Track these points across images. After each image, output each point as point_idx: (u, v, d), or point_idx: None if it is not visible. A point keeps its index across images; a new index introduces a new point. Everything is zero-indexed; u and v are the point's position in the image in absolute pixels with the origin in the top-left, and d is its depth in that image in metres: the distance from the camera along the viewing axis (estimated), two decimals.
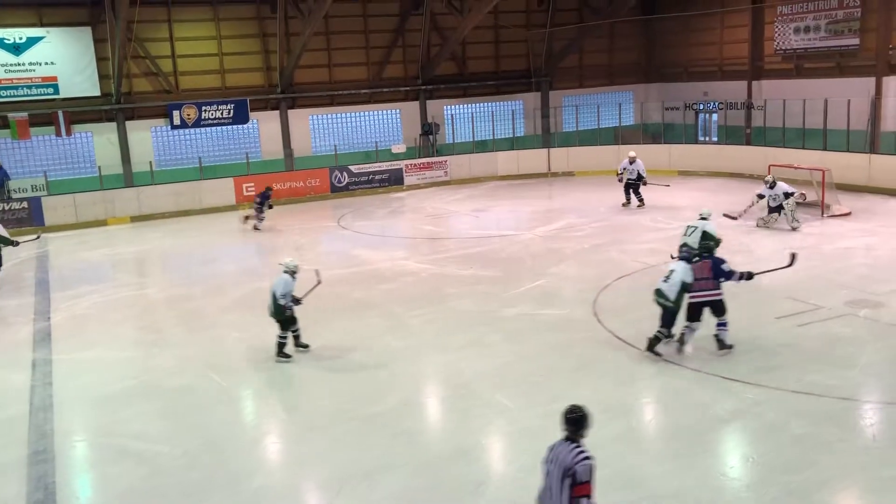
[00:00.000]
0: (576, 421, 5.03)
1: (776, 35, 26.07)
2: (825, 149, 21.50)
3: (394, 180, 26.18)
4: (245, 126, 26.21)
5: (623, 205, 20.43)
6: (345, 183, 25.61)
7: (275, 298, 10.31)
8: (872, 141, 22.41)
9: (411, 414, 8.84)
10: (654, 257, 14.86)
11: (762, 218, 17.10)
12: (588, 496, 4.81)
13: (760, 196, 16.94)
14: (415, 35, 27.88)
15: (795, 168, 18.90)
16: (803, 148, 21.74)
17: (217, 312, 13.17)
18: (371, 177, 25.97)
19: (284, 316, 10.37)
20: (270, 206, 20.82)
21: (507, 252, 16.19)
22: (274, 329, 10.56)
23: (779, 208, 16.70)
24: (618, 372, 9.54)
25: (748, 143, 25.38)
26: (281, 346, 10.46)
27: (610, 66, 31.62)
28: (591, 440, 7.62)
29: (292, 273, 10.47)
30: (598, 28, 29.68)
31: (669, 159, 25.69)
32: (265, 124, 26.62)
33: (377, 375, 9.83)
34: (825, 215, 17.51)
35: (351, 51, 27.56)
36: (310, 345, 10.75)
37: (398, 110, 28.59)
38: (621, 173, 20.56)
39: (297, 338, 10.64)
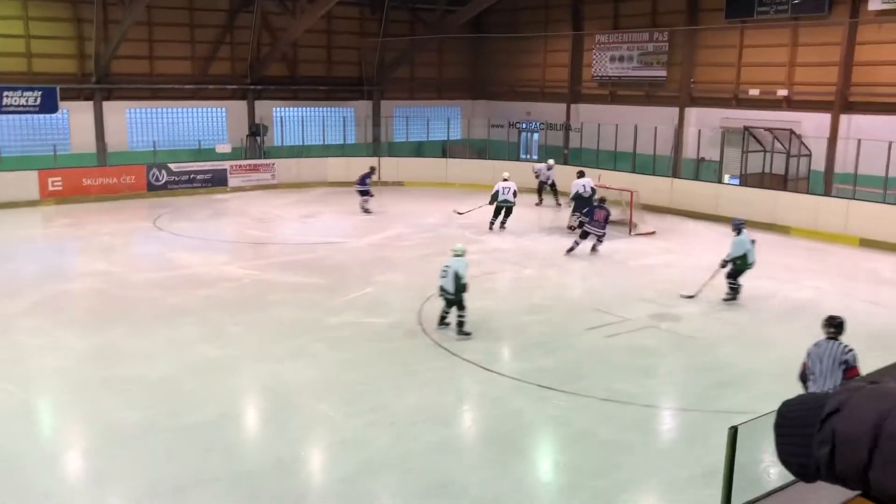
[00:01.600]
0: (839, 324, 7.12)
1: (594, 62, 27.75)
2: (634, 171, 23.12)
3: (217, 181, 25.21)
4: (53, 116, 24.22)
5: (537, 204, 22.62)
6: (163, 182, 24.32)
7: (458, 279, 10.82)
8: (675, 166, 24.37)
9: (228, 426, 8.51)
10: (475, 269, 15.25)
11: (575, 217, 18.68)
12: (858, 375, 6.73)
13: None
14: (244, 32, 27.07)
15: (607, 188, 20.15)
16: (615, 170, 23.26)
17: (12, 316, 12.05)
18: (192, 176, 24.85)
19: (462, 295, 10.92)
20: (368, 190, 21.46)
21: (335, 259, 16.05)
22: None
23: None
24: (440, 380, 9.70)
25: (566, 163, 26.78)
26: (461, 323, 11.03)
27: (439, 79, 32.30)
28: (413, 449, 7.74)
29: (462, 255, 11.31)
30: (429, 42, 30.23)
31: (494, 175, 26.53)
32: (77, 115, 24.74)
33: (191, 386, 9.38)
34: (632, 233, 18.80)
35: (175, 44, 26.27)
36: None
37: (224, 109, 27.60)
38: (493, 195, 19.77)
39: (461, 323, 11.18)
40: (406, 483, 7.15)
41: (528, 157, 29.78)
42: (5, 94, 23.11)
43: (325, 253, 16.67)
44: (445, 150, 29.01)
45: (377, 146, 28.84)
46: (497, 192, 19.29)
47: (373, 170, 22.16)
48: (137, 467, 7.39)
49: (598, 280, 14.72)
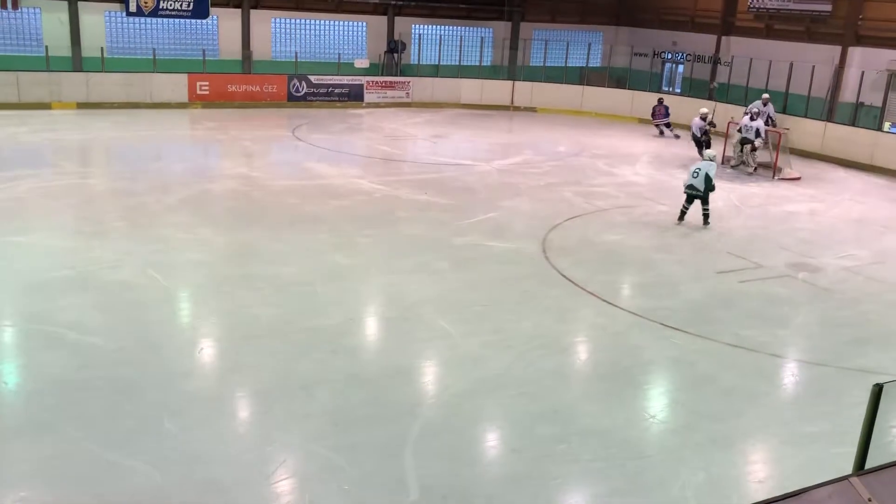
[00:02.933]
0: None
1: None
2: (784, 112, 21.73)
3: (353, 96, 25.62)
4: (204, 22, 25.13)
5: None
6: (303, 93, 24.96)
7: (708, 179, 13.10)
8: (830, 109, 22.73)
9: (353, 331, 8.85)
10: (606, 201, 14.98)
11: (736, 156, 18.30)
12: None
13: (738, 130, 18.34)
14: None
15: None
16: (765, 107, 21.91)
17: (162, 211, 12.84)
18: (330, 89, 25.35)
19: (709, 194, 13.32)
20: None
21: (462, 182, 16.10)
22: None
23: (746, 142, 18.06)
24: (560, 309, 9.67)
25: (710, 98, 25.48)
26: (707, 216, 13.52)
27: (583, 3, 31.15)
28: (527, 374, 7.81)
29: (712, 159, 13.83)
30: None
31: (632, 106, 25.68)
32: (225, 22, 25.58)
33: (322, 290, 9.77)
34: (776, 177, 17.82)
35: None
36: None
37: (365, 23, 27.78)
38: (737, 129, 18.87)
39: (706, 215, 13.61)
40: (518, 405, 7.23)
41: (671, 89, 28.53)
42: None
43: (453, 174, 16.74)
44: (583, 76, 28.17)
45: (512, 69, 28.36)
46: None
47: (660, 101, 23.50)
48: (269, 361, 7.82)
49: (733, 223, 14.11)
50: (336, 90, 25.43)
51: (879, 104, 21.11)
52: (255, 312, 8.97)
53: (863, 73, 21.78)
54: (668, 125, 23.04)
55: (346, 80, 25.64)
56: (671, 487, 6.06)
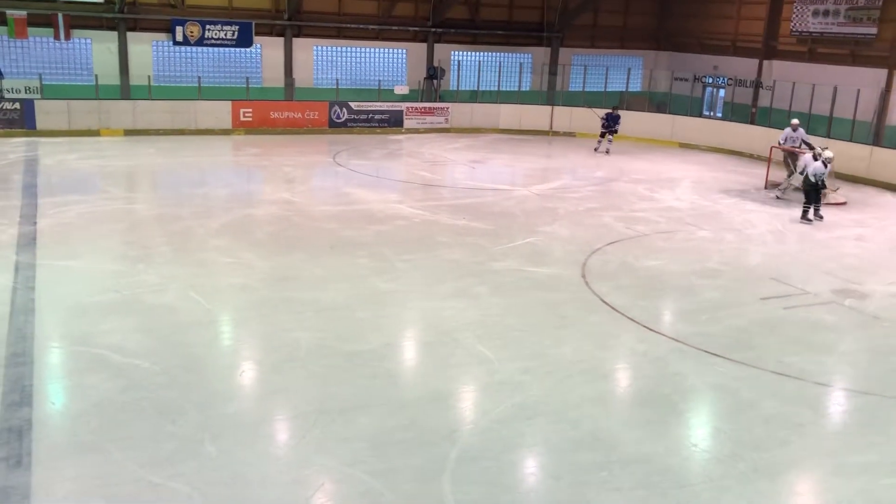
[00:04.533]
0: None
1: (794, 16, 25.71)
2: (829, 136, 21.40)
3: (393, 122, 25.90)
4: (247, 50, 25.72)
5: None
6: (343, 119, 25.30)
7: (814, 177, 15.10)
8: (877, 133, 22.34)
9: (392, 356, 8.87)
10: (647, 226, 14.87)
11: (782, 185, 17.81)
12: None
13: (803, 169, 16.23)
14: None
15: (798, 151, 18.81)
16: (808, 133, 21.63)
17: (205, 235, 13.08)
18: (371, 116, 25.66)
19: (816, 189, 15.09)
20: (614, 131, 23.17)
21: (501, 206, 16.12)
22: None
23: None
24: (600, 335, 9.59)
25: (752, 122, 25.24)
26: (805, 212, 15.38)
27: (623, 28, 31.18)
28: (567, 400, 7.74)
29: (826, 162, 15.33)
30: None
31: (672, 131, 25.54)
32: (268, 50, 26.14)
33: (361, 315, 9.83)
34: (822, 202, 17.47)
35: None
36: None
37: (405, 50, 28.14)
38: (782, 143, 18.67)
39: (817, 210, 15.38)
40: (558, 431, 7.16)
41: (711, 114, 28.32)
42: (208, 27, 24.74)
43: (492, 199, 16.77)
44: (623, 101, 28.11)
45: (551, 94, 28.42)
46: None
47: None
48: (309, 385, 7.88)
49: (778, 248, 13.89)
50: (376, 116, 25.73)
51: None
52: (296, 336, 9.05)
53: None
54: (609, 132, 23.14)
55: (385, 106, 25.94)
56: None
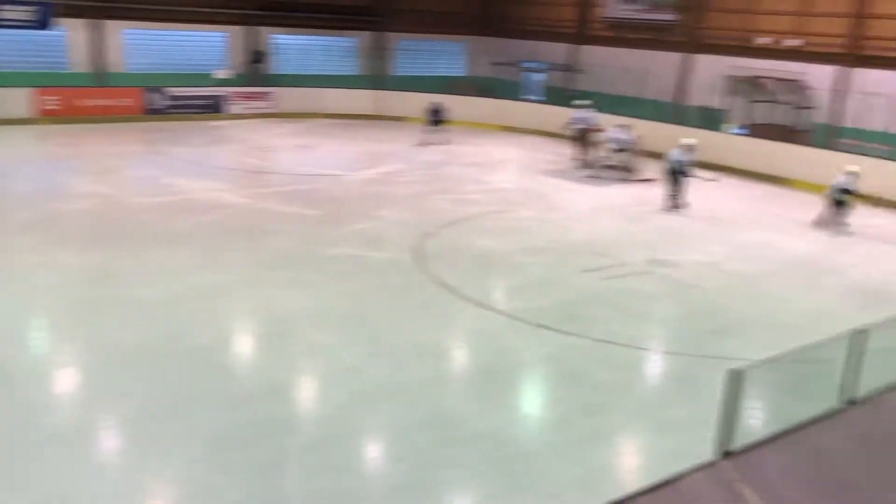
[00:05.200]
0: None
1: (604, 2, 27.16)
2: (638, 116, 22.80)
3: (216, 107, 24.86)
4: (51, 33, 23.65)
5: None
6: (161, 106, 23.98)
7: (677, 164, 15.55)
8: (679, 113, 24.07)
9: (225, 350, 8.55)
10: (477, 208, 15.23)
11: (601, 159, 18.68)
12: None
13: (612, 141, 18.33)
14: None
15: (595, 130, 19.95)
16: (619, 114, 22.95)
17: (7, 233, 11.98)
18: (191, 102, 24.49)
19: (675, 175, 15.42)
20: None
21: (333, 192, 15.93)
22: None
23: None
24: (437, 316, 9.72)
25: (570, 105, 26.44)
26: (670, 198, 15.51)
27: (446, 14, 31.59)
28: (408, 382, 7.80)
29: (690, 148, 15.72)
30: None
31: (497, 115, 26.27)
32: (75, 33, 24.19)
33: (189, 310, 9.39)
34: (634, 179, 18.68)
35: None
36: None
37: (224, 34, 27.03)
38: (569, 125, 19.91)
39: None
40: (401, 413, 7.21)
41: (532, 98, 29.40)
42: (2, 7, 22.51)
43: (323, 185, 16.54)
44: (447, 86, 28.56)
45: (378, 79, 28.39)
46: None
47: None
48: (135, 387, 7.42)
49: (597, 224, 14.68)
50: (197, 102, 24.58)
51: (723, 107, 22.56)
52: (119, 337, 8.50)
53: (706, 78, 23.22)
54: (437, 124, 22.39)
55: (206, 91, 24.84)
56: (552, 483, 6.20)
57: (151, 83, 24.12)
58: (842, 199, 14.86)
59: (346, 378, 7.84)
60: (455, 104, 26.11)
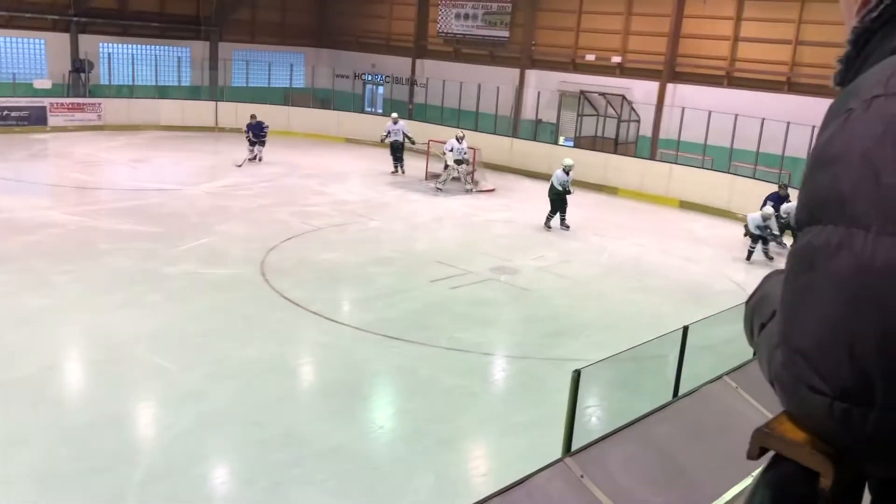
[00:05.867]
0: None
1: (440, 18, 27.80)
2: (476, 129, 23.53)
3: (35, 119, 23.17)
4: None
5: (392, 173, 20.34)
6: None
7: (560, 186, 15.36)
8: (514, 126, 25.07)
9: (54, 380, 8.00)
10: (321, 220, 15.13)
11: (443, 172, 18.88)
12: None
13: (451, 150, 18.72)
14: None
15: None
16: (458, 127, 23.59)
17: None
18: (6, 113, 22.68)
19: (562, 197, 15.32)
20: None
21: (170, 207, 15.29)
22: None
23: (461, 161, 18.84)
24: (284, 332, 9.57)
25: (410, 118, 26.82)
26: (548, 219, 15.37)
27: (282, 25, 31.19)
28: (255, 402, 7.63)
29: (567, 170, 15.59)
30: None
31: (338, 127, 26.21)
32: None
33: (12, 338, 8.70)
34: (474, 190, 19.22)
35: None
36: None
37: (43, 41, 25.27)
38: (385, 136, 20.45)
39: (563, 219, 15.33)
40: (248, 435, 7.04)
41: (373, 110, 29.57)
42: None
43: (159, 200, 15.83)
44: (288, 97, 28.19)
45: (214, 90, 27.55)
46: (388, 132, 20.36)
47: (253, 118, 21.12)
48: None
49: (441, 234, 14.99)
50: (13, 113, 22.81)
51: (554, 121, 23.71)
52: None
53: (538, 93, 24.33)
54: (258, 143, 20.83)
55: (24, 101, 23.12)
56: (405, 494, 6.27)
57: None
58: (563, 195, 15.64)
59: (190, 402, 7.55)
60: (297, 115, 25.84)
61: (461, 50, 27.53)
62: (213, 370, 8.26)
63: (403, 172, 20.43)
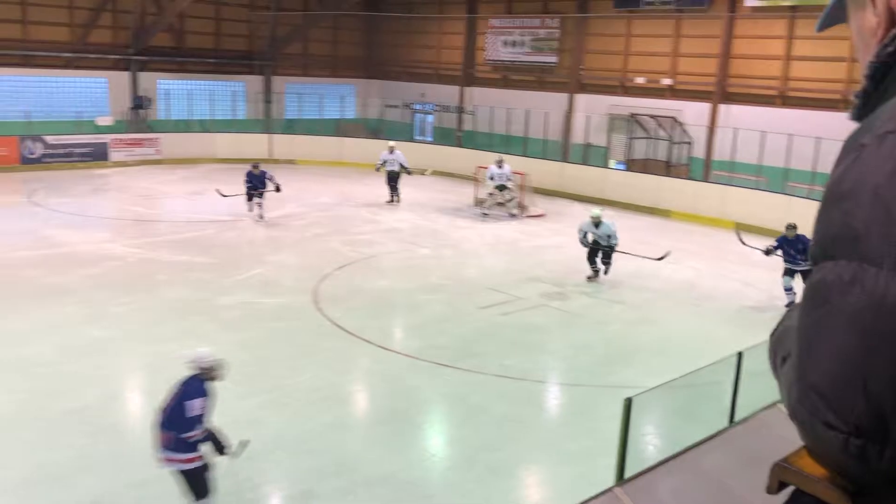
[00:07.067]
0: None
1: (487, 46, 28.02)
2: (525, 155, 23.55)
3: (97, 155, 24.00)
4: None
5: (388, 202, 20.07)
6: (38, 154, 22.95)
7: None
8: (564, 151, 25.02)
9: (114, 410, 8.21)
10: (372, 248, 15.28)
11: (487, 197, 18.93)
12: None
13: (491, 177, 18.79)
14: (127, 0, 25.76)
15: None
16: (507, 153, 23.64)
17: None
18: (70, 150, 23.56)
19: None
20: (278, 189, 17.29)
21: (225, 238, 15.63)
22: None
23: (505, 188, 18.82)
24: (336, 360, 9.66)
25: (459, 145, 27.00)
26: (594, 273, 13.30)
27: (334, 57, 31.81)
28: (307, 430, 7.69)
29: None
30: (323, 18, 29.71)
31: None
32: None
33: (74, 368, 8.96)
34: (523, 215, 19.21)
35: (51, 8, 24.73)
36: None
37: (106, 80, 26.24)
38: (381, 165, 20.30)
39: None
40: (301, 463, 7.10)
41: (423, 138, 29.84)
42: None
43: (214, 231, 16.20)
44: (339, 128, 28.66)
45: (268, 122, 28.19)
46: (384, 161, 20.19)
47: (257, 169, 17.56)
48: (14, 454, 7.01)
49: (491, 260, 14.98)
50: (77, 150, 23.67)
51: (604, 144, 23.60)
52: None
53: (588, 117, 24.27)
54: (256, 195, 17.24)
55: (87, 138, 23.98)
56: None
57: (28, 131, 23.09)
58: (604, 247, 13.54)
59: (244, 431, 7.63)
60: (348, 145, 26.25)
61: (509, 76, 27.66)
62: (267, 399, 8.37)
63: (399, 202, 20.12)
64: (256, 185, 17.20)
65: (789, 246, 12.21)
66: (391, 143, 21.10)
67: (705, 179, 21.23)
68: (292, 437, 7.54)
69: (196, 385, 5.72)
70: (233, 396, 8.37)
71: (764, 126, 19.55)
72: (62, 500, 6.31)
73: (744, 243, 13.04)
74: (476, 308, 11.81)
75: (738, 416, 6.03)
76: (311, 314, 11.23)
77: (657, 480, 4.11)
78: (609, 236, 13.21)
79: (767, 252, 12.32)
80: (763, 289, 13.68)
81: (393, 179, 20.18)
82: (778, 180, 19.14)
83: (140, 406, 8.55)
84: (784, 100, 20.79)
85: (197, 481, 5.67)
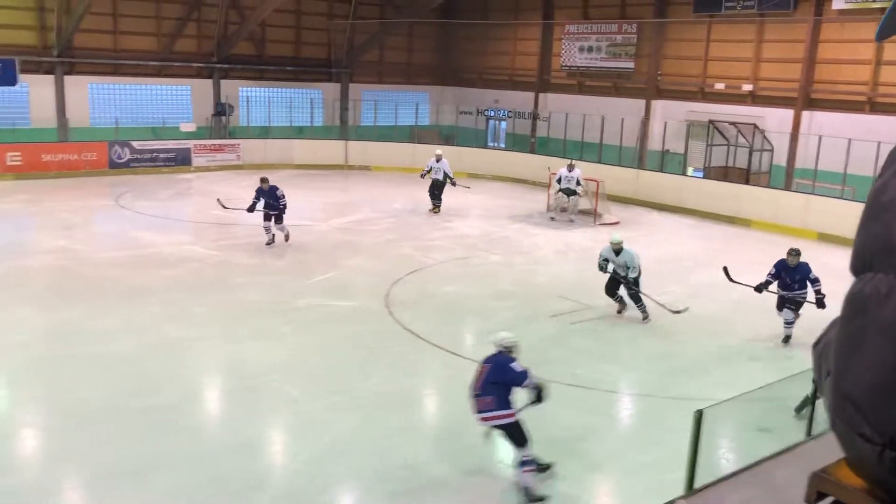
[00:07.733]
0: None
1: (563, 51, 27.86)
2: (600, 161, 23.31)
3: (181, 160, 24.88)
4: (13, 89, 23.63)
5: (430, 210, 19.63)
6: (125, 159, 23.94)
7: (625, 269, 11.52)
8: (640, 157, 24.64)
9: (192, 408, 8.48)
10: (443, 254, 15.36)
11: (556, 201, 18.93)
12: None
13: (559, 180, 18.86)
14: (211, 10, 26.63)
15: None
16: (581, 159, 23.45)
17: None
18: (156, 155, 24.49)
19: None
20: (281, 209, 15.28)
21: (300, 242, 15.97)
22: None
23: (572, 192, 18.70)
24: (406, 364, 9.75)
25: (532, 152, 26.90)
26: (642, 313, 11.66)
27: (409, 64, 32.16)
28: (377, 432, 7.78)
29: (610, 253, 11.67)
30: (398, 26, 30.08)
31: (461, 162, 26.59)
32: (37, 89, 24.18)
33: (155, 367, 9.30)
34: (597, 223, 19.00)
35: (140, 19, 25.80)
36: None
37: (189, 87, 27.20)
38: (426, 172, 20.05)
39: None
40: (369, 465, 7.19)
41: (496, 144, 29.86)
42: None
43: (291, 235, 16.53)
44: (413, 135, 28.94)
45: (344, 129, 28.69)
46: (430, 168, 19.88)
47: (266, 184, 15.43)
48: (98, 448, 7.31)
49: (562, 268, 14.87)
50: (162, 155, 24.60)
51: (682, 151, 23.14)
52: (82, 395, 8.39)
53: (665, 123, 23.85)
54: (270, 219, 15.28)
55: (171, 144, 24.88)
56: None
57: (117, 137, 24.11)
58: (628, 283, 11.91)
59: (316, 431, 7.80)
60: (420, 152, 26.47)
61: (584, 82, 27.44)
62: (338, 400, 8.52)
63: (439, 212, 19.59)
64: (269, 203, 15.20)
65: (787, 274, 10.69)
66: (438, 150, 20.77)
67: (787, 188, 20.59)
68: (361, 439, 7.65)
69: (503, 357, 6.96)
70: (305, 397, 8.57)
71: (850, 133, 18.84)
72: (139, 495, 6.54)
73: (732, 280, 11.53)
74: (546, 316, 11.74)
75: (814, 431, 5.83)
76: (383, 318, 11.36)
77: (725, 493, 3.99)
78: (628, 267, 11.49)
79: (759, 289, 10.80)
80: (841, 300, 13.16)
81: (436, 188, 19.76)
82: (864, 189, 18.36)
83: (218, 405, 8.82)
84: (872, 105, 20.01)
85: (517, 432, 6.73)
